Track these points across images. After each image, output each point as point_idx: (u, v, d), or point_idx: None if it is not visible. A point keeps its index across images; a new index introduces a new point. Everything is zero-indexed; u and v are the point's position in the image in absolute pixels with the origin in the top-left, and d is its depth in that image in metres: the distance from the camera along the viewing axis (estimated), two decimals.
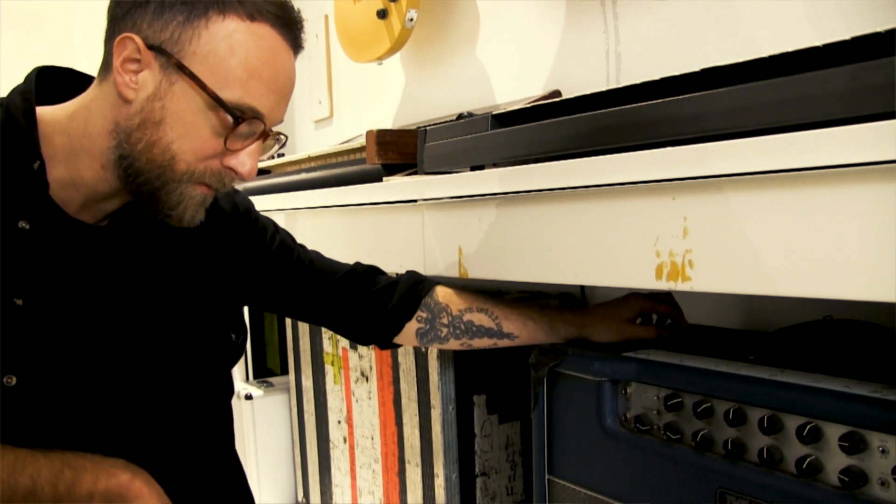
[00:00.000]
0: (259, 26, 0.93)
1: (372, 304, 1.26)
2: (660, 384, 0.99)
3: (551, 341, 1.21)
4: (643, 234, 0.86)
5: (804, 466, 0.80)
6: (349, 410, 1.86)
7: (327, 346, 1.93)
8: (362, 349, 1.75)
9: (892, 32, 0.67)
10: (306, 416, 2.13)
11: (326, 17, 2.59)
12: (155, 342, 1.06)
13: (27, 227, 0.95)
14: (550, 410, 1.14)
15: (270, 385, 2.43)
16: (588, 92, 0.99)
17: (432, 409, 1.50)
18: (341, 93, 2.58)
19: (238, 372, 2.59)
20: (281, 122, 1.00)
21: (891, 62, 0.64)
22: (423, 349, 1.47)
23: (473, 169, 1.14)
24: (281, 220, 1.84)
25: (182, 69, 0.91)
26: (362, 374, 1.76)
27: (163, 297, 1.07)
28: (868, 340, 1.03)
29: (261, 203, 1.96)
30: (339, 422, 1.92)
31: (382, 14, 1.88)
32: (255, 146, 0.97)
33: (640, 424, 1.00)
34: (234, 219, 1.19)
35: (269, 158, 1.10)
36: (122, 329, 1.03)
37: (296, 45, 0.99)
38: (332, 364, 1.92)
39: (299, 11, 0.99)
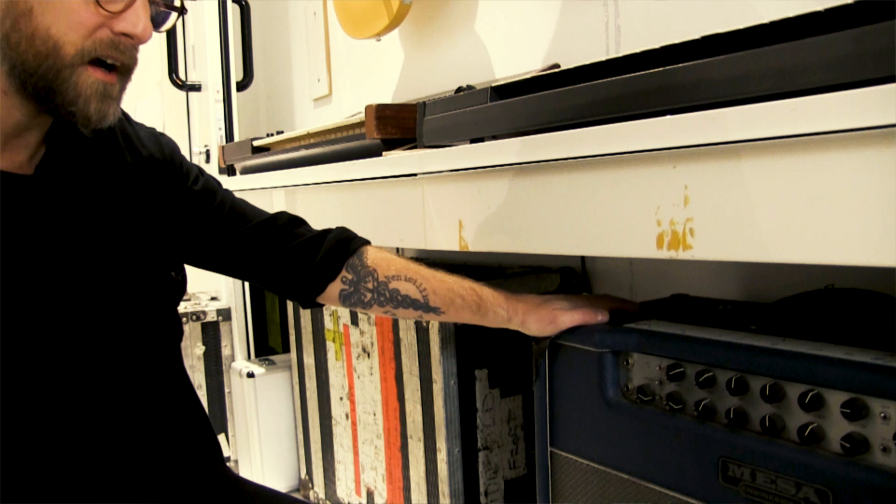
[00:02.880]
0: None
1: (293, 257, 1.22)
2: (662, 354, 0.99)
3: (478, 323, 1.17)
4: (644, 204, 0.85)
5: (806, 434, 0.80)
6: (351, 387, 1.86)
7: (328, 322, 1.94)
8: (363, 325, 1.75)
9: None
10: (308, 393, 2.14)
11: None
12: (97, 287, 1.05)
13: None
14: (552, 383, 1.14)
15: (272, 363, 2.44)
16: (588, 62, 0.98)
17: (434, 384, 1.51)
18: (340, 70, 2.57)
19: (240, 350, 2.60)
20: None
21: (891, 26, 0.63)
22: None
23: (473, 142, 1.14)
24: (280, 198, 1.84)
25: None
26: (364, 350, 1.76)
27: (98, 242, 1.06)
28: (869, 308, 1.03)
29: (260, 180, 1.97)
30: (342, 398, 1.93)
31: None
32: (140, 2, 0.93)
33: (642, 395, 1.00)
34: (157, 161, 1.17)
35: (164, 27, 1.04)
36: (65, 276, 1.02)
37: None
38: (334, 341, 1.92)
39: None
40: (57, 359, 1.02)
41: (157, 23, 1.02)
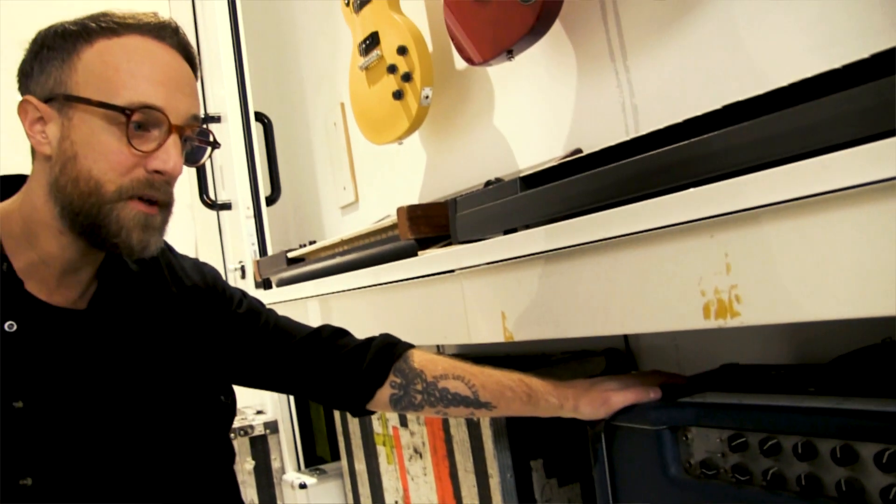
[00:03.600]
0: (126, 38, 0.99)
1: (340, 368, 1.24)
2: (721, 426, 0.97)
3: (530, 414, 1.16)
4: (686, 276, 0.85)
5: (890, 496, 0.78)
6: (406, 490, 1.84)
7: (377, 426, 1.93)
8: (413, 426, 1.74)
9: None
10: (362, 499, 2.11)
11: (342, 104, 2.64)
12: (150, 416, 1.08)
13: (14, 326, 1.00)
14: (612, 466, 1.12)
15: (323, 472, 2.42)
16: (612, 143, 1.00)
17: (490, 479, 1.49)
18: (365, 177, 2.62)
19: (289, 462, 2.58)
20: (195, 117, 1.03)
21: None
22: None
23: (506, 233, 1.15)
24: (315, 307, 1.86)
25: (71, 99, 0.97)
26: (415, 450, 1.75)
27: (149, 372, 1.10)
28: None
29: (294, 291, 1.99)
30: (397, 502, 1.90)
31: (398, 95, 1.91)
32: (170, 141, 1.00)
33: (706, 469, 0.98)
34: (201, 289, 1.22)
35: (202, 160, 1.12)
36: (118, 409, 1.06)
37: (175, 44, 1.04)
38: (384, 444, 1.90)
39: (171, 19, 1.04)
40: (114, 488, 1.04)
41: (195, 158, 1.09)
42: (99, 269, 1.10)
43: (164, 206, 1.03)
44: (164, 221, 1.04)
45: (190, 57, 1.06)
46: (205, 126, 1.08)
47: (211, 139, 1.10)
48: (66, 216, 1.00)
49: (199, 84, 1.07)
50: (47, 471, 0.98)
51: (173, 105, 1.00)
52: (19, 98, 1.02)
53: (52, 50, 1.00)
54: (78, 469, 1.01)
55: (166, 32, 1.03)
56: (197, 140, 1.08)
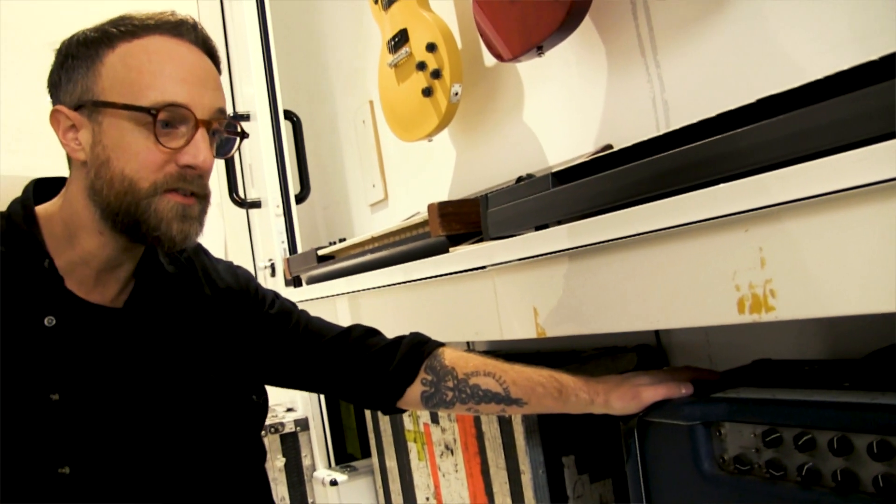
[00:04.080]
0: (146, 39, 1.02)
1: (371, 365, 1.25)
2: (755, 421, 0.97)
3: (561, 410, 1.16)
4: (720, 270, 0.85)
5: None
6: (437, 486, 1.84)
7: (408, 423, 1.93)
8: (444, 422, 1.74)
9: None
10: (393, 496, 2.12)
11: (371, 102, 2.64)
12: (183, 414, 1.11)
13: (53, 321, 1.02)
14: (644, 461, 1.12)
15: (354, 469, 2.43)
16: (645, 138, 1.00)
17: (522, 475, 1.49)
18: (394, 174, 2.62)
19: (320, 459, 2.59)
20: (220, 110, 1.05)
21: None
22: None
23: (538, 228, 1.15)
24: (344, 305, 1.87)
25: (98, 104, 1.00)
26: (447, 447, 1.75)
27: (183, 371, 1.12)
28: None
29: (323, 289, 2.00)
30: (428, 498, 1.91)
31: (427, 92, 1.92)
32: (198, 136, 1.02)
33: (740, 465, 0.98)
34: (234, 291, 1.24)
35: (232, 152, 1.14)
36: (152, 405, 1.08)
37: (195, 40, 1.06)
38: (415, 441, 1.91)
39: (188, 16, 1.07)
40: (148, 481, 1.06)
41: (224, 150, 1.12)
42: (136, 270, 1.13)
43: (201, 197, 1.06)
44: (203, 212, 1.07)
45: (211, 51, 1.08)
46: (232, 119, 1.10)
47: (238, 130, 1.12)
48: (107, 217, 1.03)
49: (225, 79, 1.10)
50: (84, 460, 1.00)
51: (198, 101, 1.02)
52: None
53: (76, 59, 1.03)
54: (113, 460, 1.03)
55: (185, 29, 1.05)
56: (225, 132, 1.10)
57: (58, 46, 1.05)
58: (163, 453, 1.08)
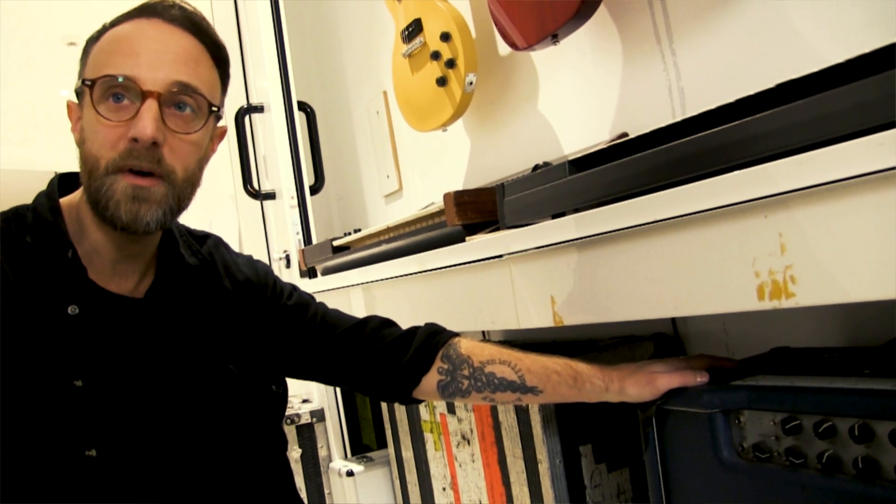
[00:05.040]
0: (124, 25, 1.05)
1: (387, 356, 1.26)
2: (774, 409, 0.96)
3: (577, 398, 1.16)
4: (739, 257, 0.85)
5: None
6: (453, 476, 1.84)
7: (424, 413, 1.93)
8: (460, 412, 1.74)
9: None
10: (409, 486, 2.12)
11: (385, 93, 2.64)
12: (204, 403, 1.12)
13: (77, 310, 1.04)
14: (663, 450, 1.11)
15: (370, 460, 2.43)
16: (663, 124, 0.99)
17: (539, 465, 1.49)
18: (408, 165, 2.62)
19: (336, 450, 2.60)
20: (180, 83, 1.02)
21: None
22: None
23: (555, 217, 1.15)
24: (358, 296, 1.87)
25: (78, 91, 1.05)
26: (463, 437, 1.75)
27: (203, 361, 1.13)
28: None
29: (338, 280, 2.00)
30: (444, 489, 1.91)
31: (442, 81, 1.91)
32: (144, 107, 1.00)
33: (759, 453, 0.97)
34: (253, 284, 1.25)
35: (199, 128, 1.06)
36: (173, 392, 1.09)
37: (172, 18, 1.05)
38: (432, 431, 1.91)
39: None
40: (172, 466, 1.07)
41: (192, 126, 1.06)
42: (158, 262, 1.14)
43: (162, 177, 1.03)
44: (166, 195, 1.04)
45: (196, 27, 1.06)
46: (193, 92, 1.05)
47: (202, 99, 1.06)
48: (88, 201, 1.05)
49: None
50: (110, 443, 1.02)
51: (147, 73, 1.01)
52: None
53: (83, 54, 1.07)
54: (138, 444, 1.05)
55: (161, 8, 1.06)
56: (190, 104, 1.05)
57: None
58: (185, 440, 1.09)
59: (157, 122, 1.00)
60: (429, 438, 1.94)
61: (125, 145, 1.00)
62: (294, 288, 1.33)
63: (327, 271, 2.24)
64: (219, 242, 1.26)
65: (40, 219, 1.07)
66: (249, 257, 1.31)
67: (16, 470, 0.98)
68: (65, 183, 1.13)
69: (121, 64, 1.01)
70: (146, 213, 1.02)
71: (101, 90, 1.00)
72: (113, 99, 1.01)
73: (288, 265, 2.72)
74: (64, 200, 1.10)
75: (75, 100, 1.07)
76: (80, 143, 1.04)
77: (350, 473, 2.40)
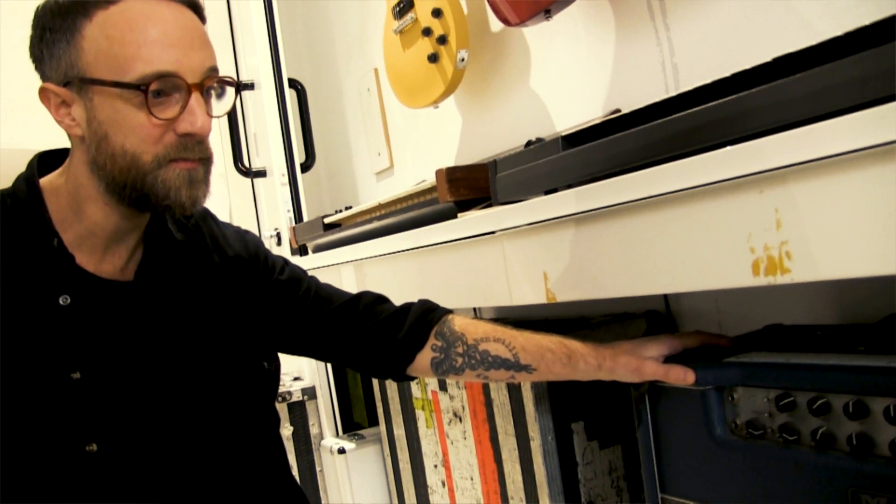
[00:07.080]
0: (122, 4, 0.97)
1: (380, 332, 1.25)
2: (768, 385, 0.96)
3: (570, 377, 1.16)
4: (734, 232, 0.84)
5: None
6: (445, 453, 1.84)
7: (416, 391, 1.93)
8: (452, 389, 1.74)
9: None
10: (401, 464, 2.13)
11: (376, 70, 2.62)
12: (199, 384, 1.11)
13: (68, 300, 1.02)
14: (656, 427, 1.11)
15: (362, 437, 2.44)
16: (658, 99, 0.98)
17: (531, 442, 1.49)
18: (399, 142, 2.61)
19: (328, 428, 2.60)
20: (212, 68, 1.01)
21: None
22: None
23: (548, 193, 1.14)
24: (349, 272, 1.86)
25: (86, 81, 0.97)
26: (455, 414, 1.75)
27: (195, 341, 1.12)
28: None
29: (329, 257, 1.99)
30: (436, 466, 1.91)
31: (433, 58, 1.90)
32: (192, 101, 0.98)
33: (753, 429, 0.97)
34: (243, 258, 1.23)
35: (230, 107, 1.09)
36: (169, 377, 1.08)
37: None
38: (423, 409, 1.91)
39: None
40: (169, 451, 1.07)
41: (223, 106, 1.07)
42: (145, 238, 1.12)
43: (203, 160, 1.04)
44: (208, 172, 1.05)
45: (193, 4, 1.03)
46: (223, 76, 1.05)
47: (229, 79, 1.06)
48: (113, 191, 1.01)
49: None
50: (110, 437, 1.01)
51: (186, 65, 0.98)
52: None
53: (54, 32, 0.98)
54: (137, 435, 1.04)
55: None
56: (220, 88, 1.06)
57: (33, 17, 1.01)
58: (182, 424, 1.08)
59: (208, 116, 1.01)
60: (420, 416, 1.94)
61: (173, 139, 0.99)
62: (285, 262, 1.31)
63: (318, 248, 2.23)
64: (206, 214, 1.24)
65: (20, 206, 1.04)
66: (238, 228, 1.29)
67: (17, 469, 0.98)
68: (44, 162, 1.09)
69: (161, 59, 0.96)
70: (202, 194, 1.04)
71: (154, 89, 0.96)
72: (158, 95, 0.97)
73: (279, 242, 2.70)
74: (45, 182, 1.06)
75: (53, 85, 1.00)
76: (98, 136, 0.99)
77: (342, 451, 2.40)
